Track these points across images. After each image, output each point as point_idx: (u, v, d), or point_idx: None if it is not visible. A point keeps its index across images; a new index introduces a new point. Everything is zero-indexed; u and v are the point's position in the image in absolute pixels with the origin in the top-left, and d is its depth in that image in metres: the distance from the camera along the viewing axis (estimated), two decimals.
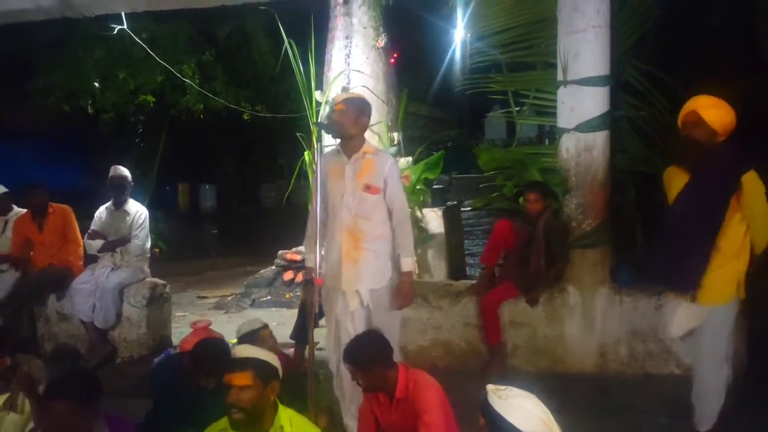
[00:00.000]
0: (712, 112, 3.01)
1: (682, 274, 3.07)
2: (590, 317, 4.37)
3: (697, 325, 3.13)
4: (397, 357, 3.29)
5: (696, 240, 3.03)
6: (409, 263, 3.35)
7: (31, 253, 5.19)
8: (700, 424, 3.24)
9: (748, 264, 3.09)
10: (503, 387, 1.90)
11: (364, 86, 5.99)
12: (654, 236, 3.38)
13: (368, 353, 2.74)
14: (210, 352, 3.13)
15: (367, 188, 3.27)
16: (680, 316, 3.17)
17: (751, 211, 2.99)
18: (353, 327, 3.27)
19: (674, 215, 3.16)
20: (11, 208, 5.46)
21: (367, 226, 3.28)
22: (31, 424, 2.80)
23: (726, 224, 3.00)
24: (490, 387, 1.91)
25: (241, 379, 2.24)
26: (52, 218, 5.19)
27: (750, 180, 2.97)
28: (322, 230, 3.31)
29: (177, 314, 6.34)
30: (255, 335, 3.50)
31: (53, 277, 5.13)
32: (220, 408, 2.66)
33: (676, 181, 3.19)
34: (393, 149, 6.08)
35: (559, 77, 4.36)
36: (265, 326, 3.62)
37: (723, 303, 3.07)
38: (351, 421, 3.33)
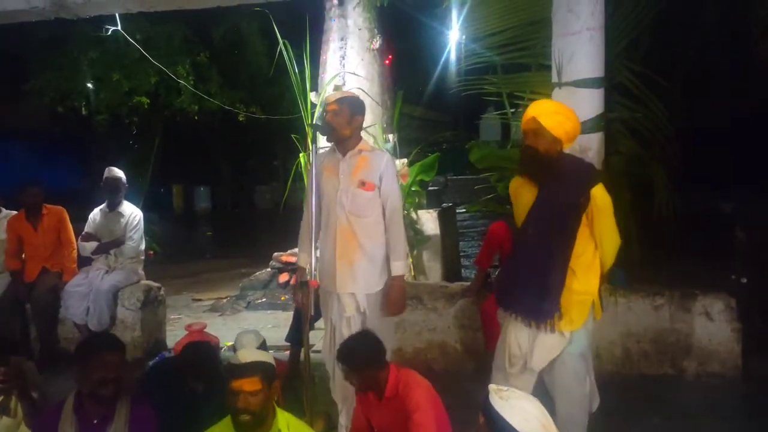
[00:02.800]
0: (552, 118, 2.80)
1: (540, 301, 2.78)
2: None
3: (558, 353, 2.84)
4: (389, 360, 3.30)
5: (551, 261, 2.76)
6: (399, 267, 3.21)
7: (23, 256, 5.16)
8: None
9: (599, 282, 2.87)
10: (505, 388, 1.92)
11: (359, 87, 5.99)
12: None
13: (363, 355, 2.75)
14: (196, 356, 3.12)
15: (362, 184, 3.18)
16: (540, 346, 2.84)
17: (600, 227, 2.79)
18: (349, 332, 3.22)
19: (525, 237, 2.90)
20: (0, 210, 5.43)
21: (361, 225, 3.19)
22: (24, 428, 2.79)
23: (576, 242, 2.77)
24: (492, 387, 1.92)
25: (251, 384, 2.28)
26: (46, 219, 5.15)
27: (599, 194, 2.76)
28: (316, 230, 3.28)
29: (172, 317, 6.32)
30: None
31: (46, 294, 5.03)
32: (214, 411, 2.66)
33: (522, 192, 2.96)
34: (389, 145, 6.08)
35: (554, 79, 4.37)
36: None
37: (580, 326, 2.83)
38: (347, 423, 3.32)
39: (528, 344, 2.88)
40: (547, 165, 2.80)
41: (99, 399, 2.48)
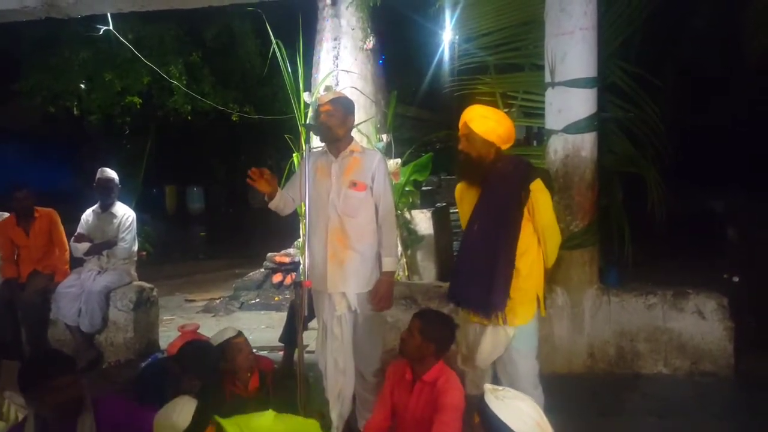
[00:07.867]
0: (483, 123, 2.84)
1: (488, 294, 2.82)
2: (579, 318, 4.39)
3: (503, 350, 2.89)
4: (378, 362, 3.30)
5: (497, 254, 2.81)
6: (389, 263, 3.26)
7: (16, 257, 5.13)
8: None
9: (543, 278, 2.92)
10: (500, 387, 1.92)
11: (353, 87, 5.99)
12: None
13: (439, 332, 2.80)
14: (194, 354, 3.11)
15: (353, 185, 3.20)
16: (486, 343, 2.90)
17: (542, 222, 2.84)
18: (340, 331, 3.24)
19: (471, 234, 2.96)
20: None
21: (353, 225, 3.21)
22: None
23: (519, 240, 2.82)
24: (487, 386, 1.93)
25: None
26: (38, 222, 5.12)
27: (537, 189, 2.82)
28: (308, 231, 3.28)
29: (164, 318, 6.29)
30: (228, 345, 3.43)
31: (35, 296, 5.00)
32: (210, 410, 2.64)
33: (466, 197, 3.03)
34: (380, 145, 6.08)
35: (547, 79, 4.38)
36: (239, 334, 3.52)
37: (527, 322, 2.89)
38: (339, 422, 3.32)
39: (474, 341, 2.96)
40: (483, 168, 2.87)
41: (60, 419, 2.40)
